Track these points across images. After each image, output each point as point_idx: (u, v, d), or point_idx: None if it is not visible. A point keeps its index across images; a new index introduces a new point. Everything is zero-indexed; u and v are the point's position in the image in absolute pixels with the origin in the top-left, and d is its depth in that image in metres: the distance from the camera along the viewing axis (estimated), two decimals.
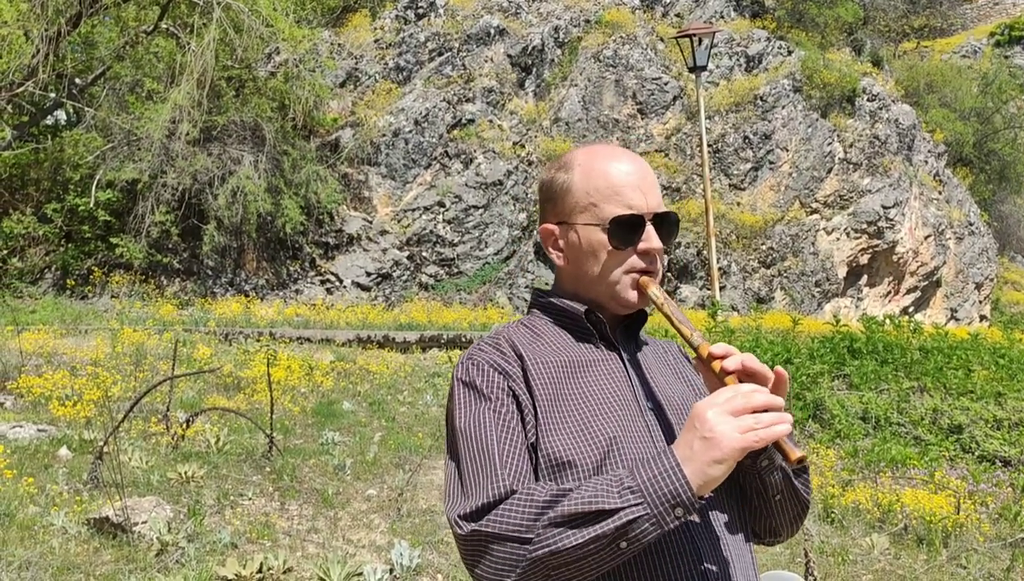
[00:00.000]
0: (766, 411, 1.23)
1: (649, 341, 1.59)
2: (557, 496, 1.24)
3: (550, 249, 1.52)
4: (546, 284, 17.42)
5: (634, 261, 1.45)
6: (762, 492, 1.41)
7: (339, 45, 19.60)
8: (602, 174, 1.46)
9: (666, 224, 1.47)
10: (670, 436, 1.39)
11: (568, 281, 1.52)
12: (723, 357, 1.34)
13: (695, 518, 1.34)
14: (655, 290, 1.44)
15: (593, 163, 1.47)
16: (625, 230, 1.43)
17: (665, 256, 1.52)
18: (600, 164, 1.47)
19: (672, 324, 1.43)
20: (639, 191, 1.44)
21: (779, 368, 1.34)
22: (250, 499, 5.67)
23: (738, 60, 20.92)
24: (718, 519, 1.38)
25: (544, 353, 1.43)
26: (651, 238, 1.44)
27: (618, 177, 1.45)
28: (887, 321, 11.59)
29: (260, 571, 4.24)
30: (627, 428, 1.37)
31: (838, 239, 19.58)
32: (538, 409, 1.37)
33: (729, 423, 1.21)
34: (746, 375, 1.33)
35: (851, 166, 20.03)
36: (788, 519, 1.46)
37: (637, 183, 1.45)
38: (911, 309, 20.58)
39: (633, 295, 1.45)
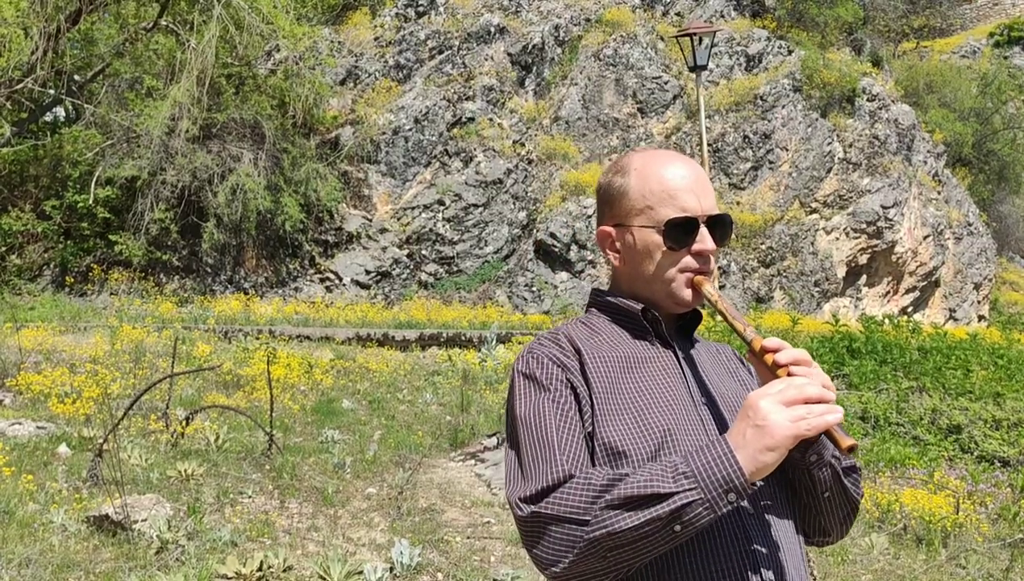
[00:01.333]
0: (818, 403, 1.27)
1: (703, 342, 1.64)
2: (614, 480, 1.28)
3: (607, 250, 1.57)
4: (546, 283, 17.40)
5: (688, 261, 1.49)
6: (811, 489, 1.45)
7: (339, 43, 19.58)
8: (657, 178, 1.51)
9: (720, 226, 1.51)
10: (723, 430, 1.42)
11: (625, 281, 1.57)
12: (776, 351, 1.39)
13: (747, 506, 1.38)
14: (709, 288, 1.50)
15: (648, 167, 1.53)
16: (679, 232, 1.48)
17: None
18: (655, 168, 1.52)
19: (726, 320, 1.48)
20: (693, 194, 1.49)
21: (828, 381, 1.38)
22: (250, 497, 5.67)
23: (738, 59, 20.91)
24: (769, 509, 1.42)
25: (601, 348, 1.49)
26: (705, 239, 1.49)
27: (673, 181, 1.50)
28: (886, 321, 11.60)
29: (260, 569, 4.24)
30: (681, 421, 1.42)
31: (837, 239, 19.59)
32: (595, 400, 1.42)
33: (782, 412, 1.25)
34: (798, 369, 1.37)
35: (850, 166, 20.04)
36: (838, 518, 1.50)
37: (691, 186, 1.50)
38: (910, 309, 20.60)
39: (688, 293, 1.50)
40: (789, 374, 1.34)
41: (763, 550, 1.36)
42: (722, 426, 1.43)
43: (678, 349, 1.53)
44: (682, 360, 1.51)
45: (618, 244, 1.55)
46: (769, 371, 1.39)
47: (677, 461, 1.27)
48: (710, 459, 1.25)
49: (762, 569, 1.34)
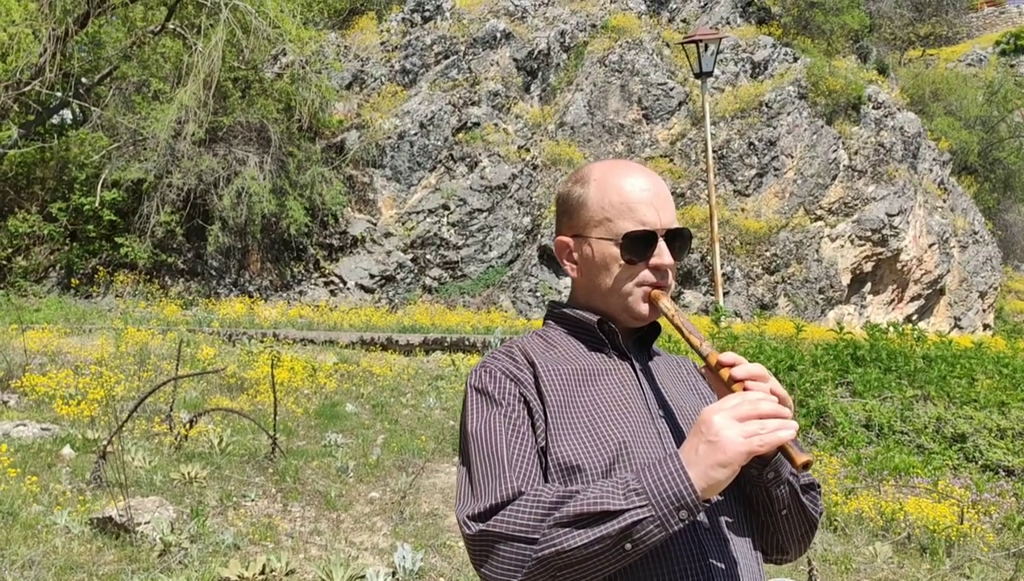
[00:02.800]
0: (772, 418, 1.25)
1: (663, 354, 1.61)
2: (563, 497, 1.26)
3: (564, 261, 1.55)
4: (550, 289, 17.40)
5: (646, 275, 1.47)
6: (768, 507, 1.42)
7: (345, 47, 19.63)
8: (617, 189, 1.48)
9: (678, 240, 1.49)
10: (681, 443, 1.39)
11: (582, 293, 1.55)
12: (731, 365, 1.37)
13: (704, 522, 1.35)
14: (666, 302, 1.47)
15: (609, 178, 1.50)
16: (638, 245, 1.46)
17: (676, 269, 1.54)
18: (615, 179, 1.49)
19: (682, 334, 1.46)
20: (652, 207, 1.47)
21: (785, 395, 1.35)
22: (253, 500, 5.67)
23: (744, 66, 20.92)
24: (726, 526, 1.39)
25: (556, 361, 1.47)
26: (663, 254, 1.47)
27: (632, 193, 1.47)
28: (891, 329, 11.55)
29: (263, 573, 4.24)
30: (637, 433, 1.39)
31: (842, 246, 19.56)
32: (548, 415, 1.39)
33: (734, 428, 1.23)
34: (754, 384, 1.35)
35: (856, 173, 20.02)
36: (796, 536, 1.47)
37: (651, 199, 1.47)
38: (915, 317, 20.56)
39: (644, 308, 1.48)
40: (745, 389, 1.32)
41: (720, 566, 1.34)
42: (679, 439, 1.41)
43: (635, 361, 1.50)
44: (639, 372, 1.49)
45: (576, 255, 1.52)
46: (725, 386, 1.37)
47: (629, 477, 1.25)
48: (661, 475, 1.23)
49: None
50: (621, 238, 1.46)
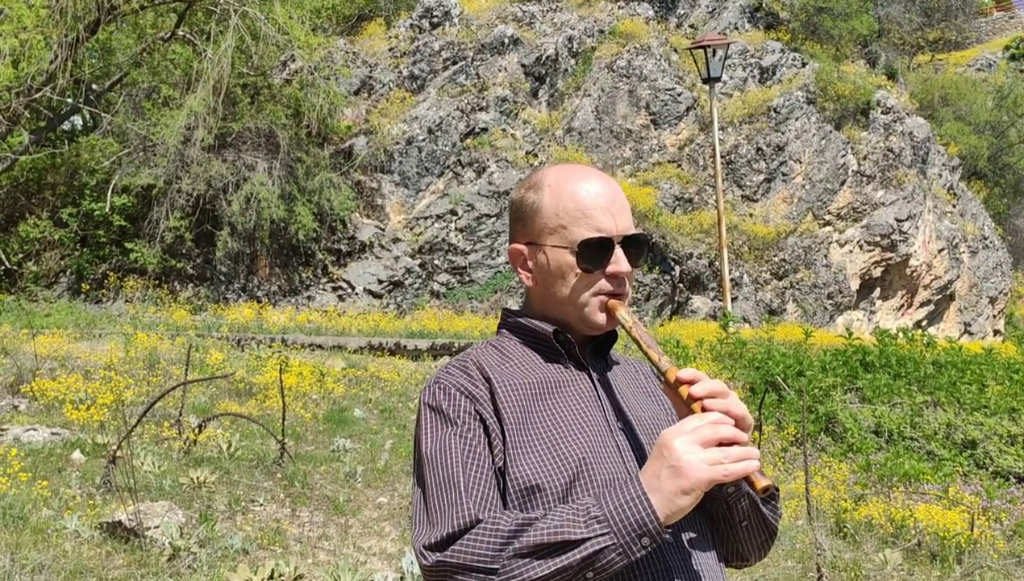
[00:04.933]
0: (732, 443, 1.23)
1: (620, 360, 1.58)
2: (523, 525, 1.23)
3: (519, 269, 1.50)
4: None
5: (602, 284, 1.43)
6: (728, 518, 1.41)
7: (354, 53, 19.71)
8: (571, 196, 1.44)
9: (635, 246, 1.45)
10: (640, 456, 1.38)
11: (537, 302, 1.50)
12: (691, 382, 1.32)
13: (667, 538, 1.32)
14: (624, 313, 1.43)
15: (563, 184, 1.45)
16: (594, 253, 1.42)
17: (635, 277, 1.50)
18: (570, 185, 1.45)
19: (640, 348, 1.42)
20: (608, 213, 1.43)
21: (748, 415, 1.32)
22: (261, 505, 5.68)
23: (752, 71, 20.91)
24: (690, 539, 1.37)
25: (512, 375, 1.42)
26: (620, 261, 1.42)
27: (587, 199, 1.43)
28: (900, 334, 11.52)
29: (271, 577, 4.25)
30: (597, 449, 1.36)
31: (851, 252, 19.51)
32: (506, 433, 1.35)
33: (697, 454, 1.21)
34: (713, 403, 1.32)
35: (865, 179, 19.97)
36: (755, 545, 1.46)
37: (606, 205, 1.43)
38: (924, 323, 20.47)
39: (602, 317, 1.44)
40: (704, 408, 1.29)
41: (683, 580, 1.32)
42: (639, 452, 1.38)
43: (593, 371, 1.47)
44: (597, 383, 1.45)
45: (530, 263, 1.47)
46: (684, 404, 1.33)
47: (589, 503, 1.22)
48: (623, 502, 1.20)
49: None
50: (577, 246, 1.41)
